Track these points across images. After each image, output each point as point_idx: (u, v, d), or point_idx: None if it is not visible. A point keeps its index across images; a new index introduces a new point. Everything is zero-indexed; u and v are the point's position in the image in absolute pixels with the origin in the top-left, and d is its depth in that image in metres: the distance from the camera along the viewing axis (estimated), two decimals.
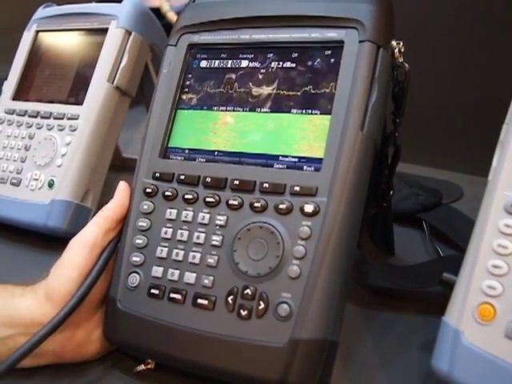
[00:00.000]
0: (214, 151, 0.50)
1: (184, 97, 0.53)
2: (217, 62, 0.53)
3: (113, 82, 0.74)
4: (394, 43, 0.48)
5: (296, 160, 0.46)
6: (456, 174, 0.89)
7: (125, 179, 0.53)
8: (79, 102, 0.74)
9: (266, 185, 0.46)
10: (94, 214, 0.51)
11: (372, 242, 0.56)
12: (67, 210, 0.70)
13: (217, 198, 0.47)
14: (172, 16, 1.23)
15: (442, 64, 0.90)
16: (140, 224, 0.49)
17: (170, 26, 0.57)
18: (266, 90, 0.49)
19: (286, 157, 0.47)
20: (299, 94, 0.48)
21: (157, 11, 1.23)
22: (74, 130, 0.73)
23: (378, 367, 0.49)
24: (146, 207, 0.50)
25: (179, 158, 0.51)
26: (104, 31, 0.76)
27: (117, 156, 0.91)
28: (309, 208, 0.44)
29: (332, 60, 0.47)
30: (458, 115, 0.91)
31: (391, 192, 0.56)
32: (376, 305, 0.58)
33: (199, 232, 0.47)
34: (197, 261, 0.46)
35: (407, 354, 0.50)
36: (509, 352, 0.39)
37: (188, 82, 0.53)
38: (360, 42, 0.46)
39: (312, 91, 0.47)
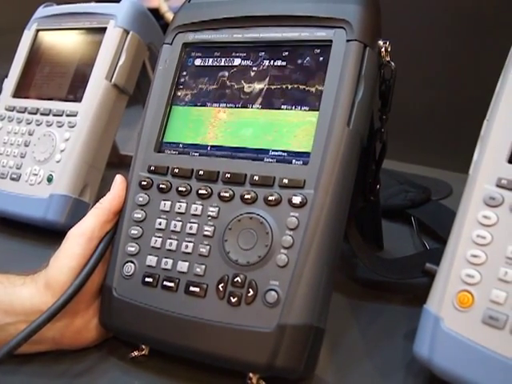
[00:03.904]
0: (207, 146, 0.52)
1: (179, 93, 0.55)
2: (210, 60, 0.54)
3: (111, 80, 0.76)
4: (380, 42, 0.50)
5: (285, 154, 0.48)
6: (446, 171, 0.91)
7: (122, 175, 0.54)
8: (78, 100, 0.76)
9: (256, 177, 0.48)
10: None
11: (360, 236, 0.58)
12: (65, 204, 0.72)
13: (209, 190, 0.49)
14: (170, 16, 1.25)
15: (432, 63, 0.92)
16: (135, 215, 0.51)
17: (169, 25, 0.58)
18: (257, 87, 0.51)
19: (276, 151, 0.49)
20: (289, 90, 0.50)
21: (155, 11, 1.25)
22: (73, 126, 0.74)
23: (364, 354, 0.51)
24: (141, 199, 0.52)
25: (174, 152, 0.53)
26: (102, 30, 0.78)
27: (114, 153, 0.93)
28: (296, 200, 0.45)
29: (321, 58, 0.49)
30: (448, 114, 0.93)
31: (378, 186, 0.58)
32: (363, 296, 0.60)
33: (192, 223, 0.49)
34: (189, 250, 0.48)
35: (392, 342, 0.52)
36: (485, 337, 0.41)
37: (183, 79, 0.55)
38: (347, 41, 0.48)
39: (301, 88, 0.49)
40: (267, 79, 0.51)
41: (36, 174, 0.74)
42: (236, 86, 0.52)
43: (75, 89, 0.77)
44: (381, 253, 0.67)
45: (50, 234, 0.71)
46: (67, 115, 0.75)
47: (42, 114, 0.78)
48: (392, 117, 0.55)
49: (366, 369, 0.49)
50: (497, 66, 0.48)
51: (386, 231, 0.68)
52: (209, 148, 0.51)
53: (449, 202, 0.79)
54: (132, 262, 0.50)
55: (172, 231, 0.49)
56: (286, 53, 0.51)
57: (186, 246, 0.48)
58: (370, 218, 0.64)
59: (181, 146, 0.53)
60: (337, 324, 0.51)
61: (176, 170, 0.51)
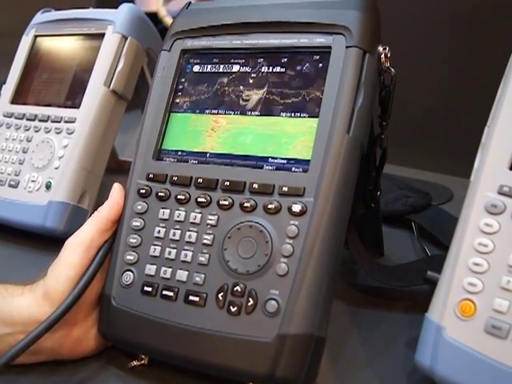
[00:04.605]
0: (206, 153, 0.51)
1: (177, 100, 0.54)
2: (209, 66, 0.54)
3: (109, 86, 0.75)
4: (380, 48, 0.49)
5: (285, 162, 0.48)
6: (446, 176, 0.91)
7: (121, 181, 0.54)
8: (76, 106, 0.76)
9: (256, 185, 0.47)
10: (91, 215, 0.52)
11: (361, 243, 0.58)
12: (64, 211, 0.71)
13: (208, 198, 0.49)
14: (169, 21, 1.25)
15: (432, 69, 0.92)
16: (134, 224, 0.51)
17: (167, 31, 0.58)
18: (256, 94, 0.51)
19: (275, 158, 0.48)
20: (288, 97, 0.49)
21: (154, 16, 1.25)
22: (71, 132, 0.74)
23: (365, 363, 0.50)
24: (139, 207, 0.51)
25: (172, 159, 0.52)
26: (101, 36, 0.78)
27: (113, 159, 0.93)
28: (296, 208, 0.45)
29: (320, 65, 0.49)
30: (448, 118, 0.93)
31: (378, 193, 0.57)
32: (364, 303, 0.59)
33: (191, 231, 0.48)
34: (188, 259, 0.48)
35: (393, 350, 0.52)
36: (488, 346, 0.41)
37: (181, 86, 0.55)
38: (347, 47, 0.47)
39: (300, 95, 0.49)
40: (266, 86, 0.51)
41: (34, 181, 0.74)
42: (235, 93, 0.52)
43: (73, 95, 0.77)
44: (381, 259, 0.67)
45: (48, 241, 0.70)
46: (65, 121, 0.75)
47: (40, 121, 0.77)
48: (392, 120, 0.54)
49: (367, 378, 0.49)
50: (497, 72, 0.48)
51: (386, 237, 0.67)
52: (208, 155, 0.51)
53: (449, 207, 0.79)
54: (131, 270, 0.50)
55: (171, 240, 0.49)
56: (285, 59, 0.51)
57: (186, 255, 0.48)
58: (371, 224, 0.63)
59: (179, 153, 0.52)
60: (337, 332, 0.51)
61: (175, 178, 0.51)
